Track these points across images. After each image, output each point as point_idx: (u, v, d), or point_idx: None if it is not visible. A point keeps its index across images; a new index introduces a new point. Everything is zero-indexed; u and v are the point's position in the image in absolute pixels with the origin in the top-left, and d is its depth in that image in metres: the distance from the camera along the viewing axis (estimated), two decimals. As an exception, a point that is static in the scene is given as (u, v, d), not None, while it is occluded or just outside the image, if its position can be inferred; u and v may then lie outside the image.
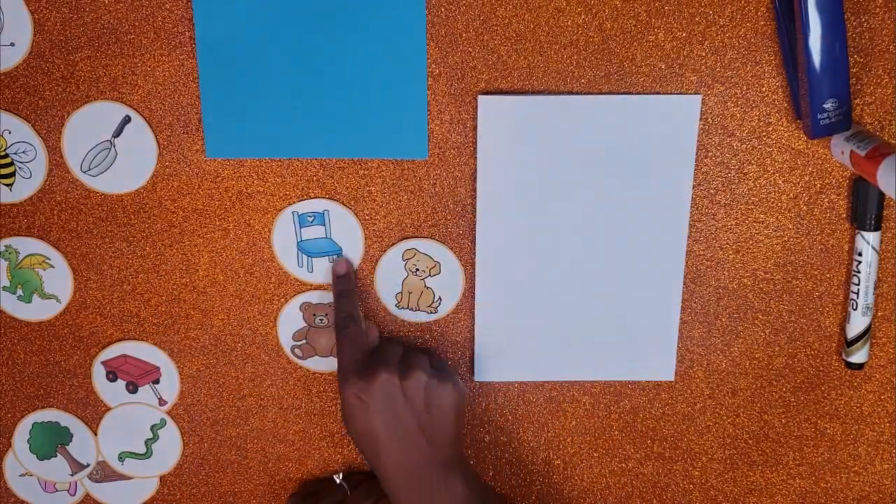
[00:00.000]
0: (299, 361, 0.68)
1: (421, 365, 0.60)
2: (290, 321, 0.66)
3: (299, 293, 0.66)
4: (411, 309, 0.66)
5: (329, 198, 0.63)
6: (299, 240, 0.64)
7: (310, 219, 0.64)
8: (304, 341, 0.67)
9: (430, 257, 0.64)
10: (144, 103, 0.61)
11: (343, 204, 0.63)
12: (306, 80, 0.60)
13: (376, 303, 0.66)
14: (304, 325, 0.66)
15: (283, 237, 0.64)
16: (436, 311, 0.66)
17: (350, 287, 0.64)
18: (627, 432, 0.69)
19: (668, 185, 0.62)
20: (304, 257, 0.64)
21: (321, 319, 0.66)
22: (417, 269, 0.65)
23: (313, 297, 0.66)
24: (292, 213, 0.63)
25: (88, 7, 0.59)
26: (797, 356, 0.67)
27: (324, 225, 0.64)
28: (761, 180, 0.62)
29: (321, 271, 0.65)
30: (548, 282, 0.64)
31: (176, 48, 0.60)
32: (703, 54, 0.59)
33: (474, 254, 0.64)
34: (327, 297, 0.66)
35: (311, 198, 0.63)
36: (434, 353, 0.67)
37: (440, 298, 0.65)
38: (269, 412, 0.69)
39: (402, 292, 0.65)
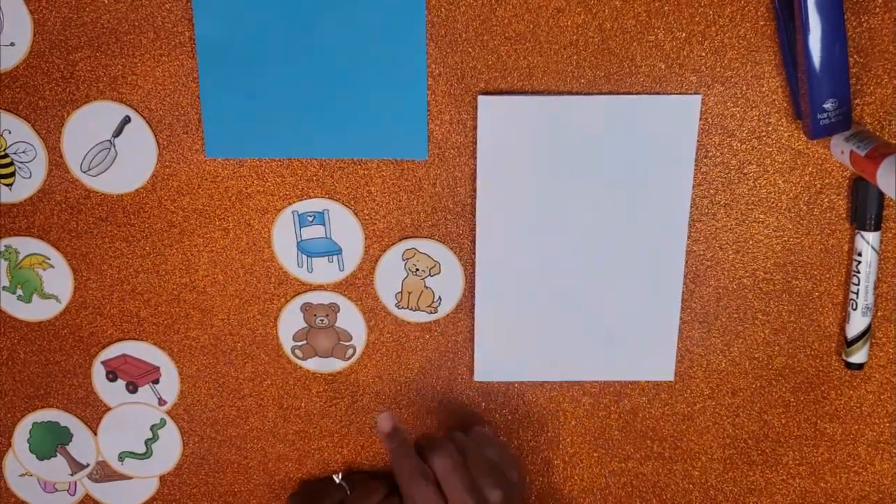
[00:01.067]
0: (299, 362, 0.68)
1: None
2: (290, 321, 0.66)
3: (300, 293, 0.66)
4: (411, 309, 0.66)
5: (329, 198, 0.63)
6: (299, 240, 0.64)
7: (310, 219, 0.64)
8: (304, 342, 0.67)
9: (430, 257, 0.64)
10: (144, 103, 0.61)
11: (343, 204, 0.63)
12: (306, 80, 0.60)
13: (376, 303, 0.66)
14: (305, 325, 0.66)
15: (283, 237, 0.64)
16: (436, 311, 0.66)
17: (403, 441, 0.59)
18: (627, 432, 0.69)
19: (668, 186, 0.62)
20: (304, 257, 0.64)
21: (321, 320, 0.66)
22: (417, 269, 0.65)
23: (314, 297, 0.66)
24: (292, 213, 0.63)
25: (88, 7, 0.59)
26: (797, 356, 0.67)
27: (324, 225, 0.64)
28: (761, 180, 0.62)
29: (321, 271, 0.65)
30: (548, 282, 0.64)
31: (176, 48, 0.60)
32: (703, 54, 0.59)
33: (474, 254, 0.64)
34: (328, 297, 0.66)
35: (311, 198, 0.63)
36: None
37: (440, 298, 0.65)
38: (269, 412, 0.69)
39: (401, 292, 0.65)
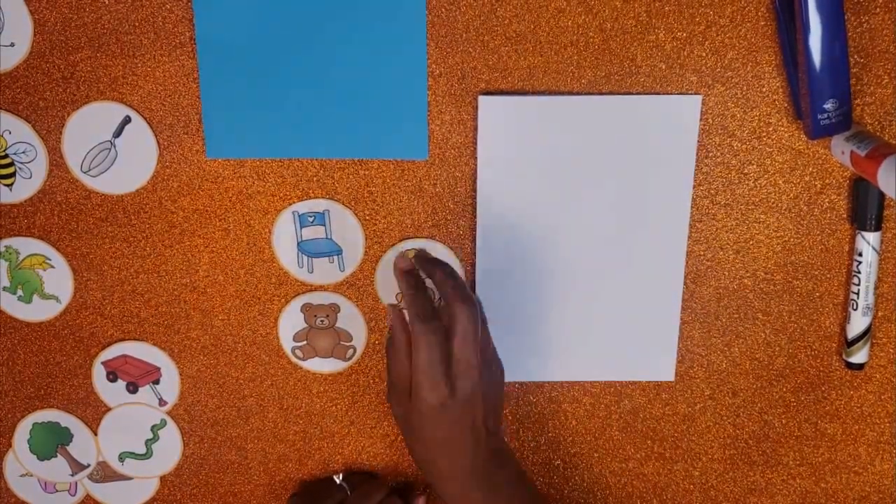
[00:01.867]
0: (300, 362, 0.67)
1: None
2: (290, 322, 0.66)
3: (300, 294, 0.66)
4: (411, 309, 0.66)
5: (329, 198, 0.63)
6: (299, 240, 0.64)
7: (310, 219, 0.64)
8: (304, 342, 0.67)
9: (431, 257, 0.64)
10: (144, 103, 0.61)
11: (343, 204, 0.63)
12: (306, 80, 0.60)
13: (376, 303, 0.66)
14: (305, 325, 0.66)
15: (284, 237, 0.64)
16: (436, 312, 0.66)
17: (419, 284, 0.58)
18: (628, 432, 0.69)
19: (668, 186, 0.62)
20: (305, 257, 0.64)
21: (322, 321, 0.66)
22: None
23: (314, 298, 0.66)
24: (292, 213, 0.63)
25: (88, 7, 0.59)
26: (797, 356, 0.67)
27: (324, 225, 0.64)
28: (761, 181, 0.62)
29: (321, 272, 0.65)
30: (548, 282, 0.64)
31: (176, 48, 0.60)
32: (704, 54, 0.59)
33: (474, 254, 0.64)
34: (328, 297, 0.66)
35: (311, 198, 0.63)
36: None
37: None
38: (269, 412, 0.69)
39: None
